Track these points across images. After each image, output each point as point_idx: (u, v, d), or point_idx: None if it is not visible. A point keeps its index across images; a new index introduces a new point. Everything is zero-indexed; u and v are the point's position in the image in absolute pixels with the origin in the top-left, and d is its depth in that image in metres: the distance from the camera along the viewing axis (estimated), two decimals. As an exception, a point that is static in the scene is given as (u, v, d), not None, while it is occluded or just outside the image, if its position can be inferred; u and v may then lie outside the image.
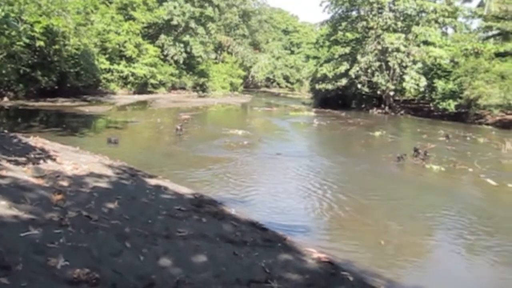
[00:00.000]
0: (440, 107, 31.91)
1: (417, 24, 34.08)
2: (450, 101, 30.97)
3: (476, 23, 43.12)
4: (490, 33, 38.42)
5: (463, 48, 33.81)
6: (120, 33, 34.54)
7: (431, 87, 33.40)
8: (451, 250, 7.31)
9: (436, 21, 34.75)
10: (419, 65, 33.49)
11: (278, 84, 78.26)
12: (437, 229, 8.40)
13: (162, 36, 41.37)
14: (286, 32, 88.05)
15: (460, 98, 30.22)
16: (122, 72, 34.83)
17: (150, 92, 37.70)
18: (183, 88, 43.10)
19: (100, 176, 7.61)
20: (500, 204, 10.41)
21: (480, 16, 38.48)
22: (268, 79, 75.68)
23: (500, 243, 7.68)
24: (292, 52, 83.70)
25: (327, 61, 38.14)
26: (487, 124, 29.52)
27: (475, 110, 30.21)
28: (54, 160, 8.21)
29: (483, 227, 8.45)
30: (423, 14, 34.67)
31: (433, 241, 7.76)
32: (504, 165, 15.53)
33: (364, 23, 34.85)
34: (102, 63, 32.65)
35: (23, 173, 6.55)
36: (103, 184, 7.12)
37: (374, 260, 6.58)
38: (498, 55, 31.96)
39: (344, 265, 5.92)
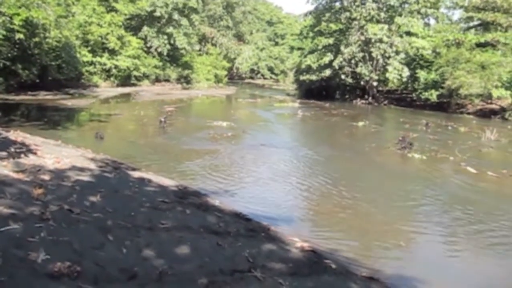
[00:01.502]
0: (423, 97, 32.25)
1: (400, 15, 34.29)
2: (432, 91, 31.31)
3: (457, 14, 43.65)
4: (471, 24, 38.89)
5: (444, 38, 34.17)
6: (102, 25, 34.06)
7: (413, 78, 33.72)
8: (433, 237, 7.43)
9: (419, 12, 34.97)
10: (402, 55, 33.74)
11: (262, 75, 78.22)
12: (419, 217, 8.53)
13: (145, 28, 40.89)
14: (270, 23, 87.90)
15: (442, 88, 30.56)
16: (104, 64, 34.42)
17: (133, 85, 37.33)
18: (167, 80, 42.75)
19: (82, 169, 7.54)
20: (480, 191, 10.61)
21: (461, 7, 38.90)
22: (252, 70, 75.59)
23: (480, 229, 7.85)
24: (277, 44, 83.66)
25: (311, 52, 38.19)
26: (468, 114, 29.98)
27: (456, 100, 30.62)
28: (35, 154, 8.10)
29: (464, 214, 8.61)
30: (406, 5, 34.91)
31: (416, 229, 7.88)
32: (483, 153, 15.81)
33: (348, 14, 34.91)
34: (84, 55, 32.23)
35: (3, 168, 6.46)
36: (85, 177, 7.06)
37: (357, 248, 6.67)
38: (479, 45, 32.33)
39: (327, 253, 6.00)
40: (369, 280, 5.24)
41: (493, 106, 29.68)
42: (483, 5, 34.84)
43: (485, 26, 35.92)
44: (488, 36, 32.86)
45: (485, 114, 29.07)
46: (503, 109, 28.64)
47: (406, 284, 5.49)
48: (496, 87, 28.23)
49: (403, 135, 16.06)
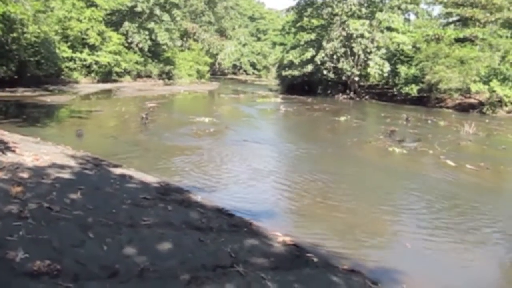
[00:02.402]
0: (403, 91, 32.64)
1: (381, 10, 34.57)
2: (413, 85, 31.72)
3: (437, 10, 44.16)
4: (450, 19, 39.41)
5: (424, 34, 34.59)
6: (82, 20, 33.53)
7: (394, 72, 34.09)
8: (413, 230, 7.54)
9: (399, 8, 35.33)
10: (383, 51, 34.06)
11: (245, 71, 78.12)
12: (400, 210, 8.65)
13: (126, 23, 40.37)
14: (252, 19, 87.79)
15: (422, 82, 30.98)
16: (85, 60, 33.92)
17: (114, 81, 36.89)
18: (149, 76, 42.36)
19: (62, 166, 7.45)
20: (459, 184, 10.82)
21: (440, 2, 39.37)
22: (235, 66, 75.42)
23: (460, 221, 7.99)
24: (259, 39, 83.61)
25: (293, 47, 38.25)
26: (448, 108, 30.49)
27: (436, 94, 31.08)
28: (13, 151, 7.98)
29: (444, 207, 8.78)
30: (387, 1, 35.25)
31: (397, 222, 7.99)
32: (462, 146, 16.11)
33: (329, 9, 35.04)
34: (64, 51, 31.72)
35: (-20, 166, 6.36)
36: (65, 174, 6.98)
37: (339, 242, 6.74)
38: (458, 40, 32.86)
39: (309, 247, 6.05)
40: (350, 272, 5.31)
41: (472, 100, 30.22)
42: (462, 1, 35.33)
43: (464, 21, 36.46)
44: (467, 32, 33.38)
45: (464, 108, 29.61)
46: (481, 103, 29.20)
47: (386, 276, 5.57)
48: (475, 81, 28.76)
49: (391, 129, 16.31)
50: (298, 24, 39.28)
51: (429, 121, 22.92)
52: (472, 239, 7.23)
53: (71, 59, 32.86)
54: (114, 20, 40.00)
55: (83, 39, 33.80)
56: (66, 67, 32.56)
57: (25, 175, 6.37)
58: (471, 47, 31.56)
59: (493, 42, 30.69)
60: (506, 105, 28.06)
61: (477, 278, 6.00)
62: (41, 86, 27.26)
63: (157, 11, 41.37)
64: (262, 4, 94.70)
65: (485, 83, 28.74)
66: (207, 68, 52.83)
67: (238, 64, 75.35)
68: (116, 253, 4.34)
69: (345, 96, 36.51)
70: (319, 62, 34.32)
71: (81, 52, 33.73)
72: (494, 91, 27.95)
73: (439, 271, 6.06)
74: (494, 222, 8.06)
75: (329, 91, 37.82)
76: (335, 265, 5.51)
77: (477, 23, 34.68)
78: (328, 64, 34.89)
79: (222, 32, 65.67)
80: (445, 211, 8.50)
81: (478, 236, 7.39)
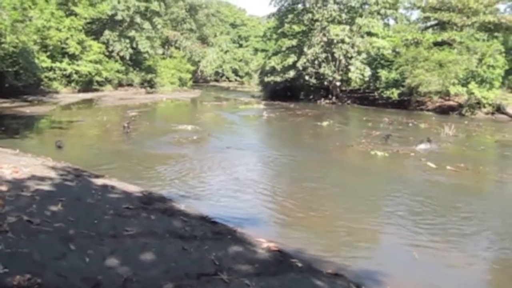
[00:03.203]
0: (384, 95, 33.06)
1: (361, 15, 35.06)
2: (393, 89, 32.16)
3: (415, 14, 44.90)
4: (428, 24, 40.09)
5: (404, 38, 35.14)
6: (62, 29, 33.14)
7: (375, 77, 34.52)
8: (396, 232, 7.62)
9: (378, 13, 35.90)
10: (364, 55, 34.49)
11: (227, 78, 78.20)
12: (383, 213, 8.75)
13: (107, 32, 40.06)
14: (234, 25, 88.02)
15: (403, 86, 31.44)
16: (65, 70, 33.50)
17: (95, 90, 36.52)
18: (130, 85, 42.06)
19: (42, 178, 7.35)
20: (440, 185, 10.98)
21: (419, 7, 40.11)
22: (217, 73, 75.45)
23: (442, 222, 8.12)
24: (241, 46, 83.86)
25: (275, 53, 38.48)
26: (428, 110, 31.01)
27: (416, 97, 31.60)
28: (-9, 164, 7.84)
29: (427, 208, 8.88)
30: (366, 6, 35.70)
31: (380, 225, 8.07)
32: (442, 148, 16.36)
33: (310, 15, 35.40)
34: (43, 61, 31.29)
35: (-43, 180, 6.24)
36: (45, 186, 6.88)
37: (323, 246, 6.78)
38: (436, 44, 33.46)
39: (294, 252, 6.06)
40: (334, 276, 5.34)
41: (451, 102, 30.79)
42: (439, 6, 36.05)
43: (442, 25, 37.16)
44: (445, 35, 34.03)
45: (444, 111, 30.15)
46: (460, 105, 29.76)
47: (370, 279, 5.62)
48: (453, 84, 29.33)
49: (387, 134, 16.66)
50: (279, 30, 39.56)
51: (410, 124, 23.25)
52: (454, 239, 7.34)
53: (50, 69, 32.43)
54: (94, 28, 39.66)
55: (62, 48, 33.40)
56: (46, 77, 32.12)
57: (3, 188, 6.26)
58: (449, 51, 32.17)
59: (471, 45, 31.34)
60: (484, 107, 28.65)
61: (459, 277, 6.09)
62: (20, 97, 26.83)
63: (138, 19, 41.18)
64: (243, 11, 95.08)
65: (463, 85, 29.32)
66: (189, 75, 52.73)
67: (220, 71, 75.43)
68: (98, 264, 4.29)
69: (327, 101, 36.81)
70: (301, 68, 34.57)
71: (61, 61, 33.31)
72: (472, 93, 28.53)
73: (422, 272, 6.13)
74: (475, 222, 8.20)
75: (311, 96, 38.09)
76: (319, 269, 5.54)
77: (455, 27, 35.41)
78: (310, 70, 35.16)
79: (203, 39, 65.66)
80: (427, 213, 8.62)
81: (460, 236, 7.51)
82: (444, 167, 12.59)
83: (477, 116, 28.42)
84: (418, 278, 5.95)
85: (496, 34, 36.35)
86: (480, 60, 29.96)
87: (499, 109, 28.39)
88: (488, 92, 28.48)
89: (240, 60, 77.33)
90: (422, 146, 15.50)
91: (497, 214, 8.84)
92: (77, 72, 34.20)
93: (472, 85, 28.69)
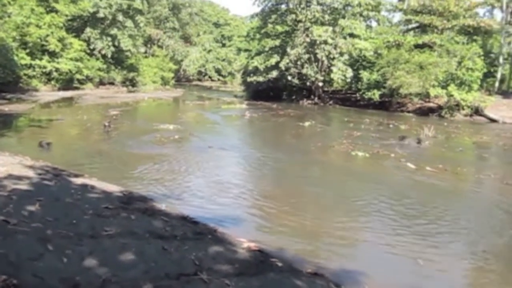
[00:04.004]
0: (366, 96, 33.37)
1: (343, 17, 35.34)
2: (375, 90, 32.48)
3: (397, 17, 45.48)
4: (409, 26, 40.63)
5: (385, 40, 35.54)
6: (42, 26, 32.67)
7: (357, 78, 34.79)
8: (376, 232, 7.71)
9: (361, 15, 36.28)
10: (346, 57, 34.76)
11: (210, 77, 77.89)
12: (363, 213, 8.84)
13: (88, 30, 39.53)
14: (217, 25, 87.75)
15: (384, 87, 31.78)
16: (45, 67, 33.00)
17: (76, 88, 36.03)
18: (112, 83, 41.62)
19: (20, 178, 7.23)
20: (419, 186, 11.16)
21: (401, 10, 40.72)
22: (200, 72, 75.14)
23: (421, 222, 8.25)
24: (224, 45, 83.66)
25: (258, 53, 38.48)
26: (408, 112, 31.44)
27: (397, 99, 32.01)
28: (-33, 163, 7.68)
29: (406, 209, 9.02)
30: (349, 8, 35.99)
31: (360, 225, 8.16)
32: (422, 149, 16.62)
33: (293, 16, 35.53)
34: (22, 58, 30.80)
35: None
36: (23, 186, 6.78)
37: (304, 246, 6.83)
38: (417, 46, 33.93)
39: (274, 252, 6.09)
40: (314, 276, 5.39)
41: (431, 104, 31.26)
42: (421, 9, 36.60)
43: (423, 28, 37.71)
44: (425, 38, 34.54)
45: (424, 112, 30.61)
46: (439, 107, 30.24)
47: (349, 278, 5.68)
48: (433, 86, 29.78)
49: (402, 135, 16.97)
50: (262, 31, 39.58)
51: (391, 125, 23.53)
52: (433, 239, 7.46)
53: (30, 66, 31.90)
54: (75, 26, 39.12)
55: (42, 45, 32.90)
56: (25, 74, 31.59)
57: (-20, 187, 6.15)
58: (429, 53, 32.66)
59: (450, 48, 31.85)
60: (463, 109, 29.15)
61: (438, 276, 6.19)
62: (-2, 95, 26.34)
63: (120, 17, 40.74)
64: (226, 10, 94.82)
65: (443, 87, 29.79)
66: (172, 74, 52.44)
67: (203, 70, 75.14)
68: (76, 265, 4.25)
69: (309, 101, 36.99)
70: (283, 68, 34.66)
71: (41, 59, 32.82)
72: (451, 95, 29.01)
73: (401, 271, 6.23)
74: (453, 222, 8.36)
75: (293, 97, 38.23)
76: (299, 269, 5.58)
77: (435, 30, 36.01)
78: (293, 70, 35.29)
79: (186, 39, 65.37)
80: (406, 213, 8.75)
81: (438, 236, 7.63)
82: (424, 168, 12.79)
83: (456, 118, 28.93)
84: (396, 277, 6.05)
85: (475, 37, 37.13)
86: (459, 62, 30.47)
87: (477, 111, 28.93)
88: (467, 94, 28.99)
89: (223, 60, 77.16)
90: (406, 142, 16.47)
91: (473, 214, 9.03)
92: (57, 69, 33.73)
93: (452, 88, 29.17)
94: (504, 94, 35.07)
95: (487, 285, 6.01)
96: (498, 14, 43.81)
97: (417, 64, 30.57)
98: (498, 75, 37.94)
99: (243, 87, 45.31)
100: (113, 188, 8.17)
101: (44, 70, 33.14)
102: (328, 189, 10.49)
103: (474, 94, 29.19)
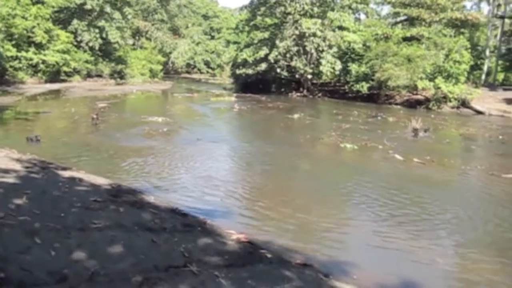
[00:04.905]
0: (354, 89, 33.47)
1: (332, 9, 35.33)
2: (363, 83, 32.59)
3: (385, 10, 45.65)
4: (398, 19, 40.85)
5: (374, 33, 35.65)
6: (28, 17, 32.20)
7: (345, 70, 34.88)
8: (365, 223, 7.78)
9: (350, 7, 36.37)
10: (335, 49, 34.80)
11: (199, 69, 77.41)
12: (351, 204, 8.91)
13: (75, 21, 39.04)
14: (206, 17, 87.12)
15: (372, 80, 31.91)
16: (31, 59, 32.59)
17: (63, 81, 35.64)
18: (100, 76, 41.21)
19: (6, 171, 7.16)
20: (406, 177, 11.28)
21: (389, 2, 40.82)
22: (188, 65, 74.63)
23: (407, 212, 8.33)
24: (213, 38, 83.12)
25: (247, 46, 38.38)
26: (396, 104, 31.65)
27: (385, 91, 32.17)
28: (-48, 156, 7.58)
29: (394, 200, 9.08)
30: (338, 0, 36.08)
31: (349, 216, 8.23)
32: (409, 141, 16.78)
33: (282, 8, 35.43)
34: (8, 50, 30.37)
35: None
36: (9, 179, 6.71)
37: (293, 237, 6.87)
38: (405, 39, 34.08)
39: (263, 244, 6.11)
40: (303, 266, 5.42)
41: (419, 96, 31.48)
42: (409, 1, 36.74)
43: (411, 21, 37.89)
44: (414, 31, 34.71)
45: (411, 105, 30.83)
46: (427, 99, 30.48)
47: (338, 268, 5.73)
48: (421, 78, 29.99)
49: (414, 126, 17.12)
50: (251, 23, 39.41)
51: (379, 117, 23.68)
52: (420, 230, 7.55)
53: (16, 58, 31.48)
54: (62, 17, 38.63)
55: (29, 37, 32.46)
56: (11, 66, 31.17)
57: (-35, 180, 6.08)
58: (417, 46, 32.83)
59: (438, 41, 32.07)
60: (450, 101, 29.41)
61: (425, 266, 6.26)
62: (-18, 88, 25.96)
63: (108, 9, 40.29)
64: (215, 2, 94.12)
65: (430, 80, 30.02)
66: (160, 67, 52.08)
67: (192, 62, 74.64)
68: (64, 258, 4.23)
69: (298, 94, 37.04)
70: (272, 61, 34.61)
71: (27, 51, 32.40)
72: (439, 88, 29.25)
73: (389, 262, 6.30)
74: (440, 213, 8.45)
75: (282, 89, 38.23)
76: (288, 260, 5.61)
77: (423, 23, 36.20)
78: (282, 63, 35.25)
79: (175, 31, 64.92)
80: (394, 204, 8.82)
81: (426, 227, 7.72)
82: (411, 160, 12.91)
83: (443, 110, 29.19)
84: (385, 267, 6.12)
85: (462, 30, 37.45)
86: (447, 55, 30.71)
87: (464, 104, 29.21)
88: (454, 86, 29.24)
89: (212, 52, 76.71)
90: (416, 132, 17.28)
91: (460, 205, 9.14)
92: (44, 62, 33.33)
93: (439, 80, 29.41)
94: (490, 86, 35.45)
95: (473, 273, 6.10)
96: (485, 7, 44.30)
97: (405, 56, 30.72)
98: (485, 68, 38.37)
99: (232, 79, 45.19)
100: (102, 181, 8.12)
101: (30, 62, 32.74)
102: (317, 181, 10.54)
103: (461, 86, 29.46)
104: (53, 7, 34.87)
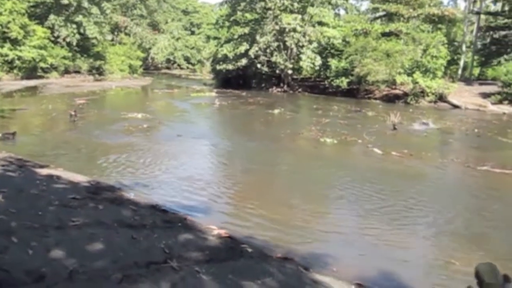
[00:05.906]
0: (334, 84, 33.66)
1: (312, 5, 35.39)
2: (343, 78, 32.81)
3: (365, 5, 46.09)
4: (377, 14, 41.21)
5: (353, 28, 35.91)
6: (3, 12, 31.45)
7: (325, 66, 35.04)
8: (343, 216, 7.90)
9: (329, 3, 36.47)
10: (315, 44, 34.91)
11: (179, 65, 76.75)
12: (331, 198, 9.03)
13: (52, 16, 38.25)
14: (185, 12, 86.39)
15: (352, 75, 32.15)
16: (6, 55, 31.91)
17: (40, 77, 34.95)
18: (78, 72, 40.53)
19: (-19, 169, 7.03)
20: (385, 170, 11.44)
21: (368, -2, 41.17)
22: (168, 60, 73.95)
23: (386, 205, 8.49)
24: (193, 33, 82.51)
25: (227, 41, 38.19)
26: (375, 99, 32.00)
27: (365, 86, 32.47)
28: None
29: (371, 192, 9.23)
30: (320, -4, 36.12)
31: (329, 210, 8.34)
32: (388, 135, 17.00)
33: (263, 3, 35.37)
34: (-18, 46, 29.65)
35: None
36: (-15, 178, 6.59)
37: (274, 232, 6.90)
38: (384, 34, 34.45)
39: (244, 239, 6.16)
40: (284, 260, 5.48)
41: (397, 91, 31.87)
42: (387, -3, 37.14)
43: (389, 16, 38.30)
44: (392, 26, 35.10)
45: (390, 99, 31.22)
46: (405, 94, 30.90)
47: (318, 261, 5.81)
48: (399, 73, 30.36)
49: (423, 120, 18.12)
50: (231, 18, 39.21)
51: (358, 112, 23.91)
52: (398, 222, 7.69)
53: (-10, 54, 30.78)
54: (39, 12, 37.84)
55: (4, 32, 31.74)
56: (-15, 63, 30.47)
57: None
58: (396, 41, 33.22)
59: (416, 36, 32.49)
60: (427, 95, 29.88)
61: (403, 257, 6.39)
62: (-44, 84, 25.31)
63: (85, 3, 39.56)
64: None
65: (409, 75, 30.42)
66: (140, 62, 51.46)
67: (171, 58, 73.98)
68: (42, 256, 4.19)
69: (279, 89, 37.10)
70: (253, 56, 34.56)
71: (2, 46, 31.73)
72: (417, 83, 29.68)
73: (368, 254, 6.40)
74: (418, 205, 8.61)
75: (263, 85, 38.22)
76: (269, 254, 5.66)
77: (402, 18, 36.63)
78: (262, 58, 35.23)
79: (154, 26, 64.23)
80: (373, 197, 8.96)
81: (404, 219, 7.87)
82: (389, 153, 13.11)
83: (421, 104, 29.65)
84: (363, 259, 6.21)
85: (439, 26, 37.98)
86: (424, 50, 31.12)
87: (441, 98, 29.70)
88: (431, 81, 29.70)
89: (192, 48, 76.12)
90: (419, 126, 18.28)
91: (437, 197, 9.34)
92: (19, 58, 32.64)
93: (417, 75, 29.83)
94: (466, 81, 36.10)
95: (449, 263, 6.23)
96: (461, 3, 45.07)
97: (384, 52, 31.05)
98: (461, 63, 39.01)
99: (212, 75, 44.96)
100: (80, 178, 8.04)
101: (5, 59, 32.06)
102: (297, 175, 10.62)
103: (438, 81, 29.94)
104: (29, 1, 34.20)
